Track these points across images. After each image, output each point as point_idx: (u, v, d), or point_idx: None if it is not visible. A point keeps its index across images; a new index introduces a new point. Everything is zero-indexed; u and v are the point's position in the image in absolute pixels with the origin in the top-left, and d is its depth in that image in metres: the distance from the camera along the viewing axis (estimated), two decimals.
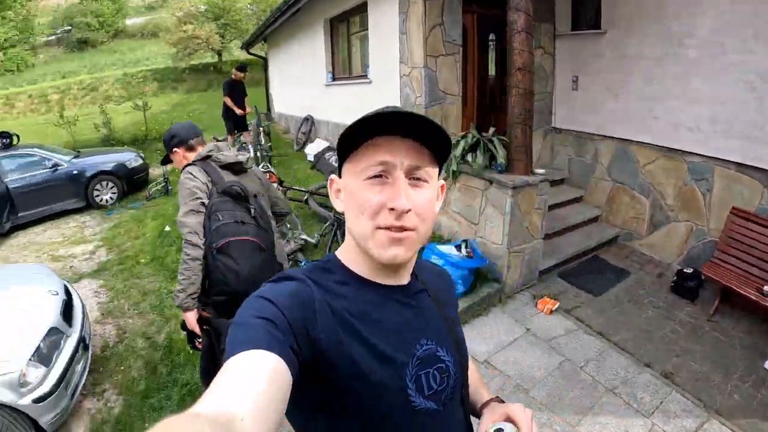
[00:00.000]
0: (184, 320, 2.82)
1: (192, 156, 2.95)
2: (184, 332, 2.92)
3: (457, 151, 5.24)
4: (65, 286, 4.50)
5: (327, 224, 5.61)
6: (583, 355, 4.23)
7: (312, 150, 9.05)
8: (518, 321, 4.75)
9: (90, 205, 9.38)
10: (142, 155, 10.71)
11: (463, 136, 5.30)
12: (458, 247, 4.95)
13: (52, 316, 3.86)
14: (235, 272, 2.60)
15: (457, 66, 6.04)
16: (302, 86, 11.13)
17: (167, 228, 7.15)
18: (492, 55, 6.99)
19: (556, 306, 4.88)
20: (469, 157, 5.19)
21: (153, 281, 5.75)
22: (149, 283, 5.73)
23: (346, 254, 1.05)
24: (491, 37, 6.82)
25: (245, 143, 9.72)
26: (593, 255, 5.94)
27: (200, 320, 2.82)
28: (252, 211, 2.75)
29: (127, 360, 4.36)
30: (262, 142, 9.38)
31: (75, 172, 9.20)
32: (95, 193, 9.36)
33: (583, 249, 5.85)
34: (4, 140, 9.44)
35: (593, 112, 6.23)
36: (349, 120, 6.71)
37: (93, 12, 39.91)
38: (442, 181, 1.07)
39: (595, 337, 4.46)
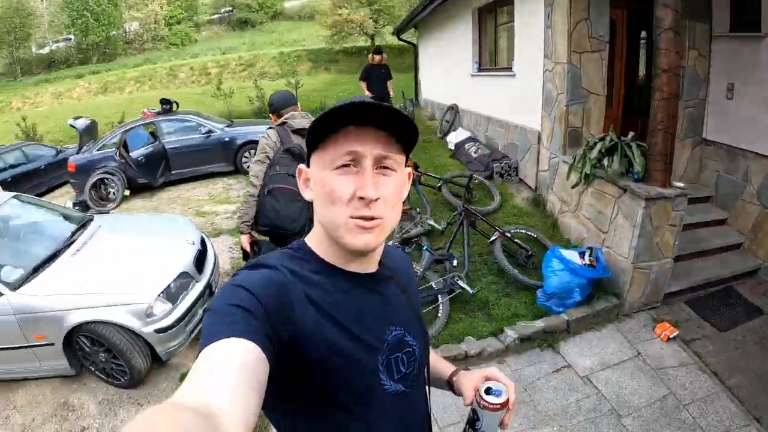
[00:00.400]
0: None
1: (278, 121, 3.79)
2: (242, 252, 3.96)
3: (593, 154, 5.07)
4: (202, 238, 5.24)
5: (455, 213, 5.71)
6: (691, 392, 3.95)
7: (453, 139, 9.23)
8: (630, 342, 4.54)
9: (237, 170, 10.39)
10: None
11: (601, 139, 5.12)
12: (582, 255, 4.81)
13: (185, 262, 4.62)
14: (276, 211, 3.44)
15: (602, 64, 5.78)
16: (449, 74, 11.24)
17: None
18: (642, 55, 6.56)
19: (675, 334, 4.55)
20: (605, 162, 5.02)
21: None
22: None
23: (316, 242, 1.09)
24: (642, 35, 6.43)
25: None
26: (727, 286, 5.37)
27: (252, 243, 3.82)
28: None
29: None
30: None
31: (226, 139, 10.28)
32: (243, 160, 10.31)
33: (716, 277, 5.34)
34: (165, 106, 10.83)
35: (748, 126, 5.55)
36: (492, 112, 7.33)
37: None
38: (409, 169, 1.12)
39: (709, 376, 4.11)
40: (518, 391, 3.78)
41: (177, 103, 11.24)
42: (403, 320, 1.13)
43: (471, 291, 4.71)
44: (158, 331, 4.16)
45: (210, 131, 10.35)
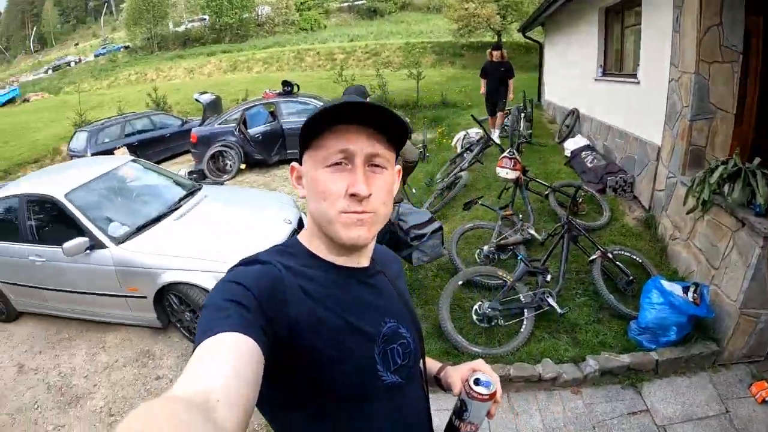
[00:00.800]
0: None
1: None
2: None
3: (713, 178, 4.51)
4: (300, 218, 5.51)
5: (558, 225, 5.32)
6: None
7: (570, 145, 8.81)
8: (721, 396, 3.99)
9: None
10: (407, 119, 11.52)
11: (723, 162, 4.55)
12: (686, 290, 4.34)
13: (277, 239, 4.83)
14: None
15: (734, 77, 5.14)
16: (572, 77, 10.74)
17: (414, 191, 7.65)
18: None
19: None
20: (725, 188, 4.42)
21: None
22: None
23: (309, 239, 1.13)
24: None
25: (508, 126, 9.66)
26: None
27: None
28: None
29: None
30: (521, 128, 9.31)
31: None
32: None
33: None
34: (286, 88, 11.35)
35: None
36: (612, 120, 6.94)
37: None
38: (398, 166, 1.16)
39: None
40: (587, 428, 3.66)
41: (298, 86, 11.76)
42: (396, 313, 1.16)
43: (560, 311, 4.44)
44: None
45: None
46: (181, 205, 5.53)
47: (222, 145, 10.82)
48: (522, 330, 4.34)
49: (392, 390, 1.09)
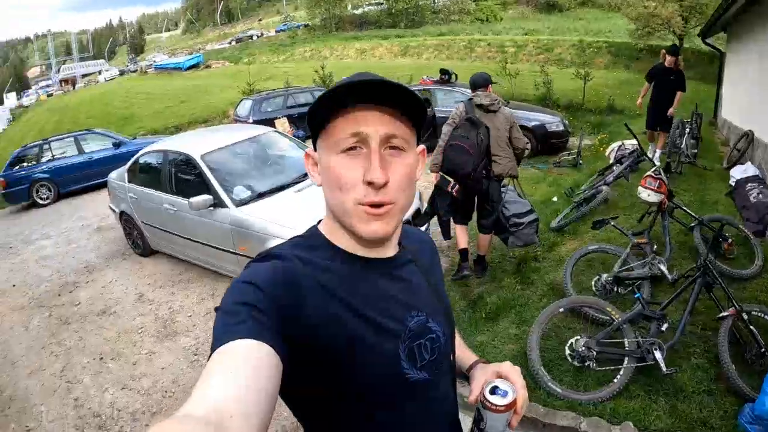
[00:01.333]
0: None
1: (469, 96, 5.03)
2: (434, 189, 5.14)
3: None
4: (419, 208, 5.62)
5: (694, 267, 4.26)
6: None
7: (737, 173, 7.54)
8: None
9: None
10: (566, 122, 11.08)
11: None
12: None
13: None
14: (450, 159, 4.82)
15: None
16: (753, 93, 9.13)
17: (555, 198, 7.26)
18: None
19: None
20: None
21: (499, 241, 5.67)
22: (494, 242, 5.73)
23: (329, 229, 1.06)
24: None
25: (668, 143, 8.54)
26: None
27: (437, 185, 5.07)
28: (478, 133, 4.70)
29: None
30: (684, 146, 8.29)
31: None
32: None
33: None
34: (444, 76, 11.48)
35: None
36: None
37: None
38: (421, 146, 1.07)
39: None
40: None
41: (456, 75, 11.76)
42: (425, 305, 1.09)
43: (665, 369, 3.63)
44: None
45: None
46: (305, 179, 5.83)
47: None
48: (615, 380, 3.67)
49: (419, 387, 1.02)
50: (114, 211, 7.86)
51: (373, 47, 39.95)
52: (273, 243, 4.74)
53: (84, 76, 71.11)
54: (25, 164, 13.55)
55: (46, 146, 13.86)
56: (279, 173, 6.11)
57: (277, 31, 61.26)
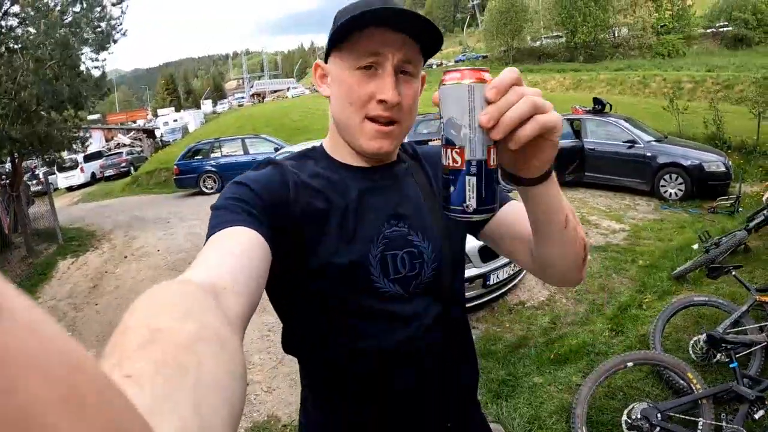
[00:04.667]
0: None
1: None
2: None
3: None
4: None
5: None
6: None
7: None
8: None
9: (653, 193, 9.18)
10: (729, 163, 9.40)
11: None
12: None
13: (469, 243, 4.57)
14: None
15: None
16: None
17: (695, 246, 6.14)
18: None
19: None
20: None
21: (624, 285, 5.36)
22: (620, 284, 5.38)
23: (331, 145, 1.09)
24: None
25: None
26: None
27: None
28: None
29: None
30: None
31: (648, 154, 9.18)
32: (661, 182, 9.07)
33: None
34: (597, 106, 10.48)
35: None
36: None
37: (751, 8, 37.48)
38: (423, 73, 1.05)
39: None
40: None
41: (610, 105, 10.80)
42: (411, 218, 1.05)
43: None
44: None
45: (633, 141, 9.40)
46: None
47: None
48: None
49: (389, 300, 1.00)
50: None
51: (546, 80, 38.82)
52: None
53: (273, 91, 76.76)
54: (197, 157, 15.32)
55: (216, 144, 15.64)
56: None
57: (456, 61, 61.90)
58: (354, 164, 1.06)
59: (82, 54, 9.15)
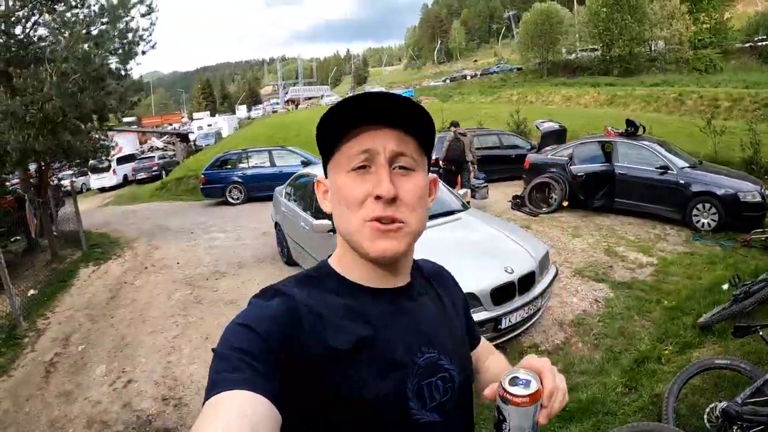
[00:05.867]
0: None
1: None
2: None
3: None
4: (532, 272, 4.81)
5: None
6: None
7: None
8: None
9: (686, 223, 8.67)
10: (766, 193, 8.71)
11: None
12: None
13: (478, 285, 4.41)
14: (453, 155, 10.84)
15: None
16: None
17: (725, 287, 5.57)
18: None
19: None
20: None
21: (645, 330, 5.01)
22: (641, 328, 5.05)
23: (338, 260, 1.01)
24: None
25: None
26: None
27: None
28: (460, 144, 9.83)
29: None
30: None
31: (681, 181, 8.71)
32: (694, 211, 8.57)
33: None
34: (630, 128, 10.06)
35: None
36: None
37: None
38: (433, 175, 1.04)
39: None
40: None
41: (644, 127, 10.36)
42: (437, 342, 1.00)
43: None
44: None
45: (665, 167, 8.94)
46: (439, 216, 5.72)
47: (548, 177, 10.26)
48: None
49: (427, 428, 0.93)
50: (273, 220, 8.51)
51: (580, 95, 38.33)
52: None
53: (308, 98, 77.31)
54: (225, 167, 15.45)
55: (244, 155, 15.70)
56: None
57: (490, 73, 61.57)
58: (370, 285, 0.97)
59: (110, 64, 9.18)
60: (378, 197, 0.88)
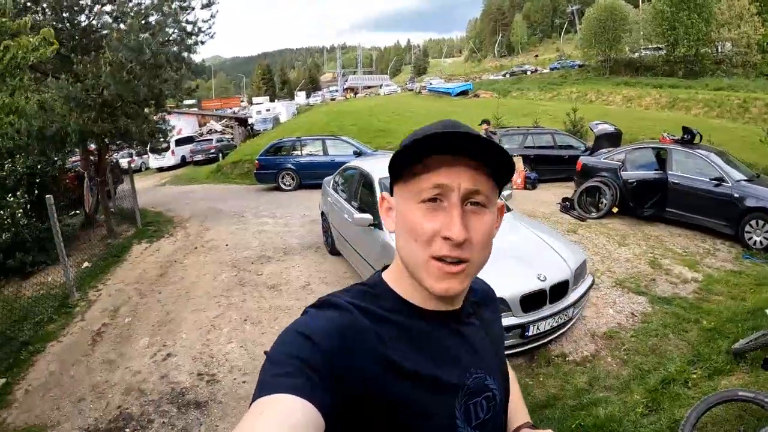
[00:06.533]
0: None
1: None
2: None
3: None
4: (565, 281, 4.75)
5: None
6: None
7: None
8: None
9: (737, 238, 8.27)
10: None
11: None
12: None
13: (508, 290, 4.39)
14: None
15: None
16: None
17: None
18: None
19: None
20: None
21: (678, 350, 4.79)
22: (674, 348, 4.83)
23: (395, 278, 0.99)
24: None
25: None
26: None
27: None
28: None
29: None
30: None
31: (736, 195, 8.31)
32: (747, 227, 8.16)
33: None
34: (686, 135, 9.69)
35: None
36: None
37: None
38: (501, 201, 1.00)
39: None
40: None
41: (700, 135, 9.94)
42: (485, 362, 1.03)
43: None
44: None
45: (720, 179, 8.53)
46: None
47: (599, 181, 9.98)
48: None
49: None
50: (320, 209, 8.75)
51: (641, 95, 37.00)
52: None
53: (367, 87, 77.41)
54: (279, 153, 15.83)
55: (298, 143, 15.94)
56: None
57: (551, 69, 60.16)
58: (427, 307, 0.97)
59: (167, 54, 9.43)
60: (447, 238, 0.87)
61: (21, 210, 8.54)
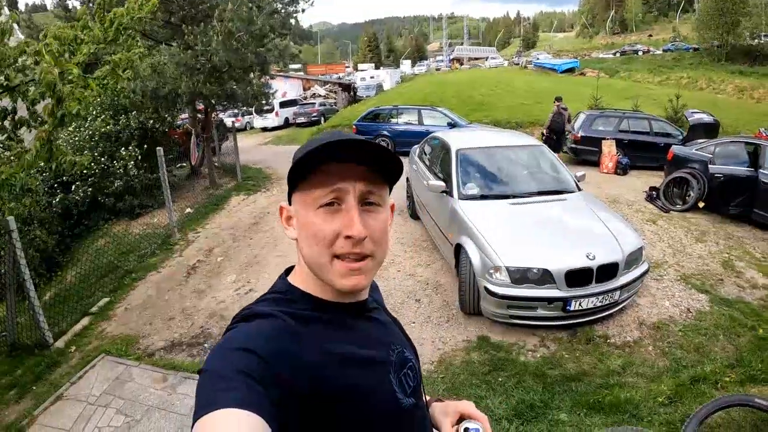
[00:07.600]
0: None
1: None
2: None
3: None
4: (614, 263, 4.76)
5: None
6: None
7: None
8: None
9: None
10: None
11: None
12: None
13: (556, 264, 4.62)
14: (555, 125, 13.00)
15: None
16: None
17: None
18: None
19: None
20: None
21: (724, 352, 4.65)
22: (720, 350, 4.66)
23: (302, 280, 1.03)
24: None
25: None
26: None
27: None
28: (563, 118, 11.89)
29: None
30: None
31: None
32: None
33: None
34: None
35: None
36: None
37: None
38: (391, 201, 1.06)
39: None
40: None
41: None
42: (398, 339, 1.13)
43: None
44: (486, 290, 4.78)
45: None
46: (532, 196, 5.97)
47: (688, 172, 9.45)
48: None
49: (410, 413, 1.04)
50: (405, 175, 8.90)
51: (755, 87, 33.88)
52: (460, 239, 5.31)
53: (473, 59, 75.77)
54: (376, 120, 16.51)
55: (394, 111, 16.47)
56: (516, 185, 6.25)
57: (663, 50, 55.80)
58: (340, 300, 1.02)
59: (272, 23, 9.96)
60: (348, 237, 0.92)
61: (132, 162, 9.58)
